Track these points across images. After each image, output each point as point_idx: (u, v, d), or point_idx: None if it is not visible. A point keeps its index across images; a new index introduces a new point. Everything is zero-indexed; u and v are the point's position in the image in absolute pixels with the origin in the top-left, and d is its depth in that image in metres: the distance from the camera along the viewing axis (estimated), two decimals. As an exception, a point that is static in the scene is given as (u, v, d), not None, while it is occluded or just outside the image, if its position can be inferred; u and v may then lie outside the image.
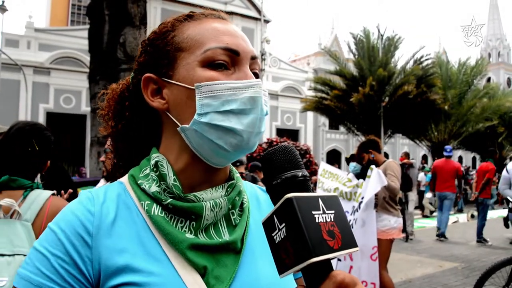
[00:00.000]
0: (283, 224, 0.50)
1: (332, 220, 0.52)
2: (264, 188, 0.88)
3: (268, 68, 27.60)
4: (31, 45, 21.70)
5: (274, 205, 0.54)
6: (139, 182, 0.69)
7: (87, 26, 6.07)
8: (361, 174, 4.17)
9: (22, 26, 34.03)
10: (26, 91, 20.48)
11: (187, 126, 0.66)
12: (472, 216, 12.64)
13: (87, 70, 6.22)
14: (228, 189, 0.73)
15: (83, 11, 26.71)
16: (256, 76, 0.73)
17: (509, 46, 57.89)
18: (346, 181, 4.28)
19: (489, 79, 41.08)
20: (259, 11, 27.73)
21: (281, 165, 0.56)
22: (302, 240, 0.48)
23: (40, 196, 1.56)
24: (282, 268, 0.51)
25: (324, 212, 0.51)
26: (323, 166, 4.72)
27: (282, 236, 0.50)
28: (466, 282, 5.36)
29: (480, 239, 8.39)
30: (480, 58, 23.96)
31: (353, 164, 4.18)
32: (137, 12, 5.64)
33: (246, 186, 0.85)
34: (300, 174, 0.55)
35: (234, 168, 0.80)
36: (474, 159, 42.06)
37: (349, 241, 0.52)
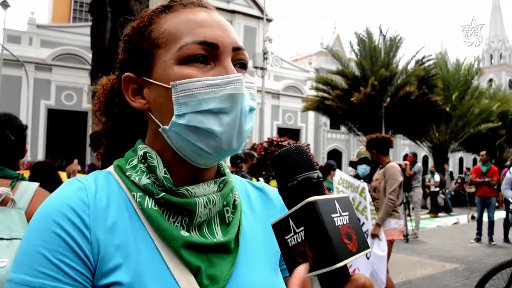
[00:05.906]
0: (301, 228, 0.48)
1: (348, 222, 0.51)
2: (254, 183, 0.86)
3: (270, 67, 27.54)
4: (33, 42, 21.68)
5: (288, 207, 0.52)
6: (127, 173, 0.65)
7: (89, 23, 6.06)
8: (370, 175, 4.15)
9: (24, 22, 34.04)
10: (28, 88, 20.47)
11: (166, 127, 0.62)
12: (473, 217, 12.63)
13: (89, 67, 6.23)
14: (221, 185, 0.69)
15: (85, 7, 26.69)
16: (244, 66, 0.68)
17: (511, 48, 57.74)
18: (361, 191, 4.12)
19: (490, 81, 41.01)
20: (261, 10, 27.67)
21: (295, 166, 0.54)
22: (325, 245, 0.46)
23: (30, 186, 1.63)
24: None
25: (340, 215, 0.50)
26: (340, 175, 4.48)
27: (299, 240, 0.48)
28: (466, 284, 5.34)
29: (491, 237, 8.58)
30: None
31: (362, 167, 4.16)
32: (140, 9, 5.63)
33: (236, 181, 0.81)
34: (315, 176, 0.53)
35: (223, 163, 0.76)
36: (474, 160, 42.03)
37: (363, 243, 0.51)
